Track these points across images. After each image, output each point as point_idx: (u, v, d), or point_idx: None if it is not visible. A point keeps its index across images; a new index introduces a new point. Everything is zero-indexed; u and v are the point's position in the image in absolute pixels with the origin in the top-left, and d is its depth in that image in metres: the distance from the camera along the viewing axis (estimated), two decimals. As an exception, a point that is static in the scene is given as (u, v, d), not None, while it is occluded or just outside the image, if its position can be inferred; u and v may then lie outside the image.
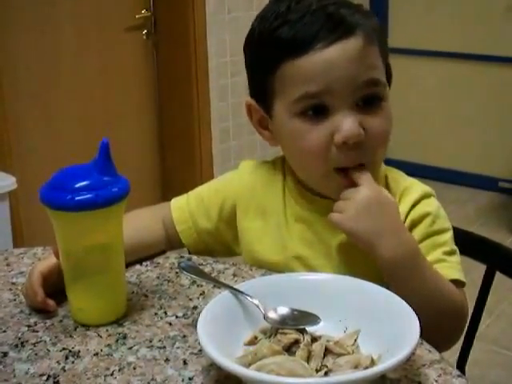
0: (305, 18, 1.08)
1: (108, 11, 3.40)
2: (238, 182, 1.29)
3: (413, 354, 0.90)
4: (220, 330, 0.94)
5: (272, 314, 0.99)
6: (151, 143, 3.80)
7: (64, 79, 3.29)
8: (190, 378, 0.93)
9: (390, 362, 0.84)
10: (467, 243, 1.35)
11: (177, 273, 1.23)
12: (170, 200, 1.35)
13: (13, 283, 1.22)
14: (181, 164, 3.78)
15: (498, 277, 1.42)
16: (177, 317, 1.09)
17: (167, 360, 0.98)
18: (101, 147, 1.02)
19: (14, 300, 1.16)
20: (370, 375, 0.83)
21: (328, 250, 1.19)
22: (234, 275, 1.22)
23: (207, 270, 1.24)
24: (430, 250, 1.15)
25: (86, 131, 3.34)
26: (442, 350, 1.03)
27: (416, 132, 4.52)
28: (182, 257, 1.30)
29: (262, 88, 1.17)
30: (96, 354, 1.00)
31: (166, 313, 1.11)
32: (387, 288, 1.02)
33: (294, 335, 0.95)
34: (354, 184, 1.11)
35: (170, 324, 1.07)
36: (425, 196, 1.19)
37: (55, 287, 1.11)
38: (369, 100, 1.10)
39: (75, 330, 1.07)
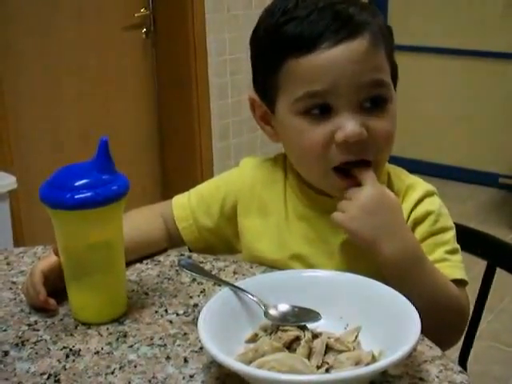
0: (312, 16, 1.07)
1: (107, 10, 3.40)
2: (239, 180, 1.29)
3: (414, 350, 0.90)
4: (221, 328, 0.94)
5: (273, 311, 0.99)
6: (151, 141, 3.80)
7: (64, 78, 3.29)
8: (191, 376, 0.93)
9: (391, 358, 0.84)
10: (468, 239, 1.35)
11: (177, 271, 1.23)
12: (170, 198, 1.35)
13: (13, 282, 1.22)
14: (181, 162, 3.78)
15: (499, 273, 1.42)
16: (177, 315, 1.09)
17: (168, 358, 0.97)
18: (100, 145, 1.02)
19: (15, 299, 1.16)
20: (371, 372, 0.83)
21: (329, 249, 1.19)
22: (235, 272, 1.22)
23: (207, 267, 1.24)
24: (433, 249, 1.15)
25: (85, 129, 3.35)
26: (443, 349, 1.02)
27: (416, 129, 4.52)
28: (182, 255, 1.30)
29: (265, 84, 1.17)
30: (97, 353, 0.99)
31: (166, 311, 1.11)
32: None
33: (294, 332, 0.95)
34: (357, 183, 1.10)
35: (171, 322, 1.07)
36: (427, 194, 1.19)
37: (56, 286, 1.10)
38: (373, 101, 1.10)
39: (76, 328, 1.06)
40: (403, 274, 1.05)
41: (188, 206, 1.30)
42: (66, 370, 0.96)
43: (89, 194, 0.99)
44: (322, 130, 1.09)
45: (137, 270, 1.24)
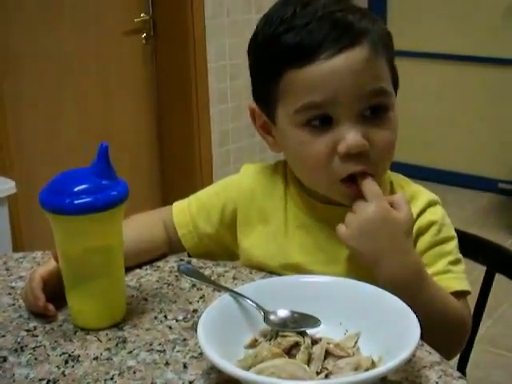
0: (310, 25, 1.06)
1: (107, 15, 3.41)
2: (239, 187, 1.28)
3: (413, 355, 0.90)
4: (220, 333, 0.94)
5: (272, 317, 0.98)
6: (151, 146, 3.80)
7: (63, 83, 3.29)
8: (191, 382, 0.93)
9: (390, 364, 0.84)
10: (467, 245, 1.35)
11: (176, 276, 1.23)
12: (170, 203, 1.34)
13: (12, 287, 1.22)
14: (180, 167, 3.78)
15: (498, 278, 1.42)
16: (177, 320, 1.09)
17: (167, 364, 0.97)
18: (100, 151, 1.02)
19: (13, 304, 1.16)
20: (370, 377, 0.83)
21: (328, 258, 1.18)
22: (234, 278, 1.22)
23: (207, 273, 1.24)
24: (436, 260, 1.15)
25: (85, 135, 3.35)
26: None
27: (415, 134, 4.52)
28: (181, 260, 1.30)
29: (264, 94, 1.15)
30: (96, 359, 0.99)
31: (165, 316, 1.10)
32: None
33: (294, 338, 0.94)
34: (362, 194, 1.09)
35: (170, 327, 1.07)
36: (431, 204, 1.18)
37: (55, 291, 1.10)
38: (374, 110, 1.09)
39: (75, 334, 1.06)
40: (403, 293, 1.01)
41: (188, 213, 1.30)
42: (65, 375, 0.95)
43: (88, 199, 0.99)
44: (323, 142, 1.08)
45: (136, 276, 1.24)
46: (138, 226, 1.29)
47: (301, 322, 0.98)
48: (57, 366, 0.98)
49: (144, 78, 3.68)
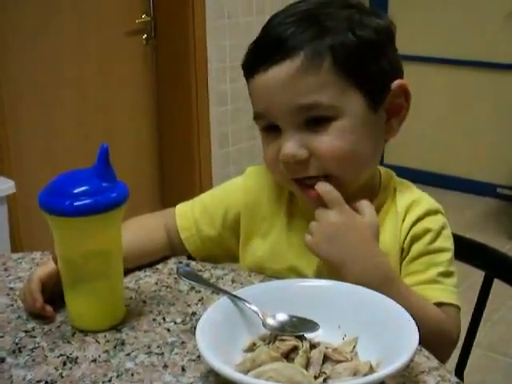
0: (260, 40, 1.13)
1: (108, 16, 3.41)
2: (243, 190, 1.28)
3: (411, 360, 0.90)
4: (219, 337, 0.94)
5: (271, 321, 0.98)
6: (150, 148, 3.80)
7: (64, 84, 3.29)
8: (188, 385, 0.93)
9: (388, 368, 0.84)
10: (465, 249, 1.36)
11: (175, 279, 1.23)
12: (170, 205, 1.34)
13: (10, 288, 1.22)
14: (180, 169, 3.78)
15: (497, 283, 1.42)
16: (175, 323, 1.09)
17: (165, 366, 0.97)
18: (100, 152, 1.02)
19: (12, 305, 1.16)
20: (368, 382, 0.83)
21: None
22: (233, 281, 1.22)
23: (206, 275, 1.24)
24: (426, 268, 1.14)
25: (85, 136, 3.35)
26: None
27: (415, 138, 4.52)
28: (180, 262, 1.30)
29: None
30: (94, 360, 0.99)
31: (164, 319, 1.10)
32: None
33: (292, 342, 0.94)
34: (318, 196, 1.10)
35: (169, 330, 1.07)
36: (430, 212, 1.17)
37: (54, 293, 1.10)
38: (315, 120, 1.09)
39: (73, 335, 1.06)
40: None
41: (191, 216, 1.30)
42: (62, 377, 0.95)
43: (88, 201, 0.99)
44: (272, 148, 1.14)
45: (135, 278, 1.24)
46: (139, 229, 1.29)
47: (299, 326, 0.98)
48: (55, 368, 0.98)
49: (144, 79, 3.68)
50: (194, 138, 3.69)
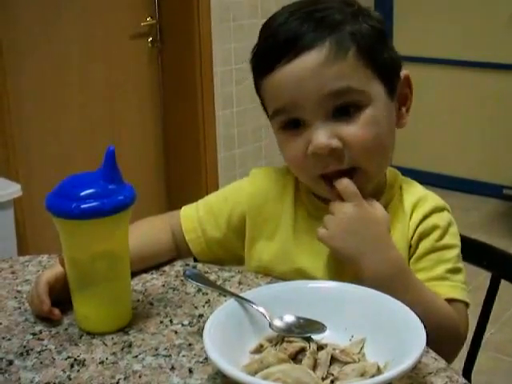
0: (271, 37, 1.11)
1: (113, 19, 3.41)
2: (248, 191, 1.28)
3: (419, 362, 0.90)
4: (226, 339, 0.94)
5: (278, 322, 0.98)
6: (156, 151, 3.80)
7: (70, 87, 3.30)
8: (196, 387, 0.93)
9: (396, 370, 0.84)
10: (472, 251, 1.35)
11: (182, 281, 1.23)
12: (176, 208, 1.34)
13: (18, 291, 1.22)
14: (186, 171, 3.78)
15: (503, 284, 1.41)
16: (182, 325, 1.09)
17: (173, 368, 0.97)
18: (106, 155, 1.02)
19: (19, 308, 1.16)
20: (376, 383, 0.83)
21: (337, 263, 1.17)
22: (240, 283, 1.22)
23: (212, 277, 1.24)
24: (434, 265, 1.15)
25: (91, 139, 3.35)
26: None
27: (420, 139, 4.52)
28: (187, 265, 1.30)
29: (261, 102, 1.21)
30: (101, 363, 0.99)
31: (171, 321, 1.11)
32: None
33: (299, 343, 0.95)
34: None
35: (176, 332, 1.07)
36: (437, 209, 1.18)
37: (61, 295, 1.11)
38: (345, 108, 1.09)
39: (80, 338, 1.06)
40: (385, 290, 1.02)
41: (196, 218, 1.30)
42: (70, 379, 0.95)
43: (95, 203, 0.99)
44: (297, 144, 1.12)
45: (142, 280, 1.24)
46: (146, 231, 1.29)
47: (306, 327, 0.98)
48: (62, 370, 0.98)
49: (150, 82, 3.69)
50: (199, 140, 3.69)
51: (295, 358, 0.93)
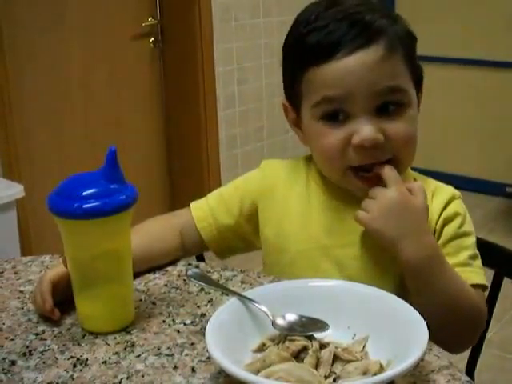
0: (330, 26, 1.12)
1: (115, 19, 3.42)
2: (260, 178, 1.31)
3: (421, 360, 0.90)
4: (228, 337, 0.94)
5: (280, 321, 0.98)
6: (158, 150, 3.80)
7: (71, 88, 3.30)
8: (199, 386, 0.93)
9: (398, 368, 0.84)
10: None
11: (185, 280, 1.23)
12: (178, 207, 1.36)
13: (21, 291, 1.22)
14: (188, 171, 3.78)
15: (506, 282, 1.41)
16: (185, 324, 1.09)
17: (175, 368, 0.97)
18: (108, 155, 1.02)
19: (22, 308, 1.16)
20: (378, 382, 0.83)
21: (353, 239, 1.20)
22: (242, 282, 1.22)
23: (215, 277, 1.24)
24: (457, 252, 1.18)
25: (93, 139, 3.36)
26: (457, 352, 1.05)
27: (422, 138, 4.50)
28: (189, 264, 1.30)
29: (291, 90, 1.21)
30: (104, 362, 1.00)
31: (174, 320, 1.11)
32: (397, 295, 1.02)
33: (302, 342, 0.95)
34: (377, 184, 1.13)
35: (178, 331, 1.07)
36: (455, 197, 1.22)
37: (64, 295, 1.11)
38: (389, 106, 1.13)
39: (83, 338, 1.07)
40: (424, 275, 1.08)
41: (207, 208, 1.31)
42: (73, 379, 0.96)
43: (97, 203, 0.99)
44: (338, 134, 1.13)
45: (144, 280, 1.24)
46: (152, 230, 1.30)
47: (309, 326, 0.98)
48: (65, 370, 0.98)
49: (152, 82, 3.69)
50: (202, 140, 3.69)
51: (298, 356, 0.93)
